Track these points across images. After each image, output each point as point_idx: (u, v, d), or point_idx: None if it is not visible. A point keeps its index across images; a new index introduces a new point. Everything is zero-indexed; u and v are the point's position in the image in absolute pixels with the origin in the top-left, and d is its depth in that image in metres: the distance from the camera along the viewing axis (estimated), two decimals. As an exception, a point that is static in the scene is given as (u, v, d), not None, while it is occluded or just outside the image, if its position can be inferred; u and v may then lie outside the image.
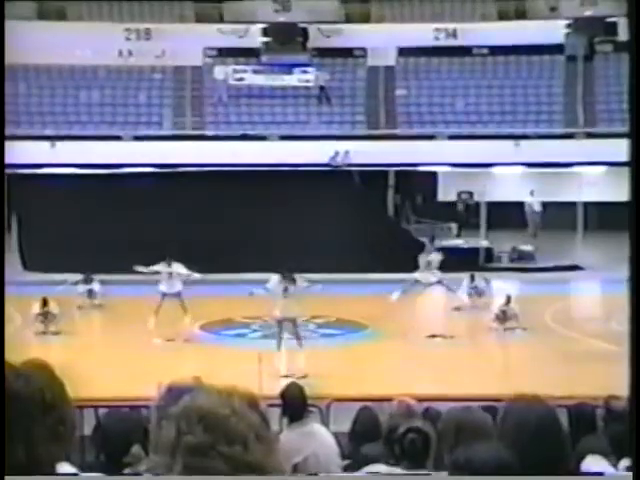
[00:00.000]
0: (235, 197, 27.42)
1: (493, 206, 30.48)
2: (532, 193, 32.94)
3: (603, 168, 30.01)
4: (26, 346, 18.35)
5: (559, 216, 31.92)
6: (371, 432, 6.67)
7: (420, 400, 8.19)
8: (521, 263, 29.17)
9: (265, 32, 34.21)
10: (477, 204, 31.35)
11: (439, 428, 4.31)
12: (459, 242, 29.93)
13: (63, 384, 2.39)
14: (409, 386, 14.56)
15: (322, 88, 32.76)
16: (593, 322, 22.15)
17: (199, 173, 28.38)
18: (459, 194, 32.91)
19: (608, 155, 26.99)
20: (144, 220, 27.09)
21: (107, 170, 28.71)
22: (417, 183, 32.58)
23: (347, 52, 34.12)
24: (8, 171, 24.78)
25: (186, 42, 33.03)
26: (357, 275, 26.07)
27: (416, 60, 34.13)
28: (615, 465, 5.22)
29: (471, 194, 32.40)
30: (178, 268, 20.72)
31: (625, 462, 4.97)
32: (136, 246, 26.52)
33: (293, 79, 32.79)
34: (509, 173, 32.60)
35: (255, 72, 33.06)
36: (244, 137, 31.34)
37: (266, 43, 34.25)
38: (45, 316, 20.81)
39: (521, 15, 34.57)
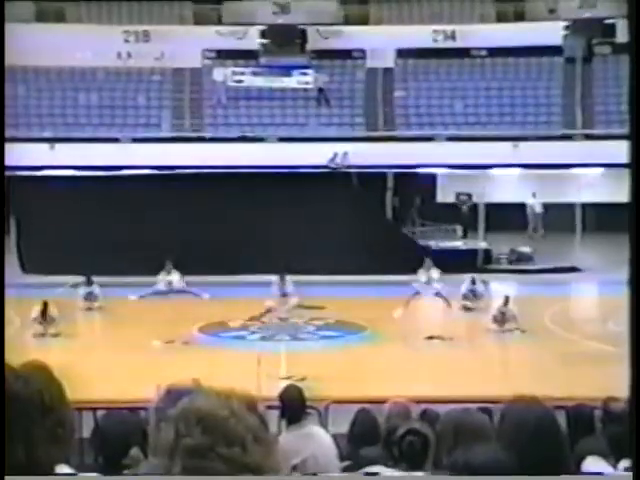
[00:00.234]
0: (234, 199, 27.42)
1: (492, 208, 30.50)
2: (534, 195, 32.90)
3: (601, 170, 30.03)
4: (25, 348, 18.34)
5: (557, 218, 31.95)
6: (369, 434, 6.67)
7: (419, 402, 8.19)
8: (520, 265, 29.17)
9: (264, 34, 34.24)
10: (475, 206, 31.35)
11: (437, 430, 4.31)
12: (458, 244, 29.93)
13: (62, 386, 2.39)
14: (408, 388, 14.55)
15: (321, 90, 32.78)
16: (591, 324, 22.16)
17: (198, 175, 28.37)
18: (458, 196, 32.91)
19: (606, 157, 27.01)
20: (143, 222, 27.09)
21: (106, 172, 28.70)
22: (416, 185, 32.59)
23: (346, 54, 34.14)
24: (7, 173, 24.80)
25: (185, 44, 33.05)
26: (356, 277, 26.06)
27: (415, 62, 34.15)
28: (614, 466, 5.22)
29: (470, 196, 32.41)
30: (175, 277, 20.64)
31: (624, 463, 4.98)
32: (135, 248, 26.55)
33: (292, 81, 32.80)
34: (508, 175, 32.61)
35: (254, 74, 33.07)
36: (243, 139, 31.35)
37: (265, 45, 34.28)
38: (44, 319, 20.80)
39: (520, 17, 34.59)
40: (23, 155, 26.71)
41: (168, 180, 28.27)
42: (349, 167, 29.57)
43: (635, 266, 2.42)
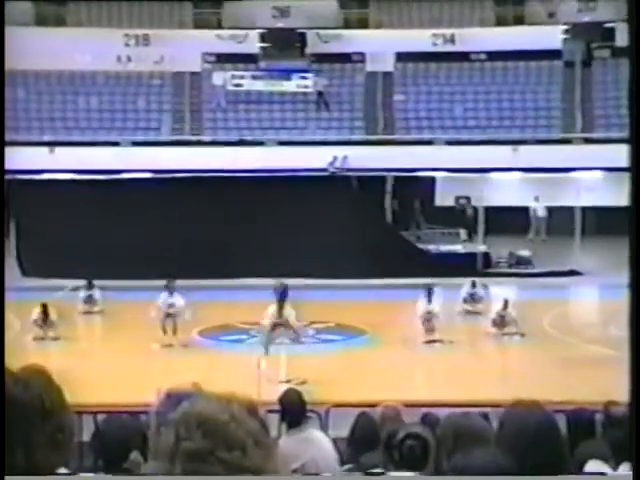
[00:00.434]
0: (233, 203, 27.41)
1: (491, 211, 30.50)
2: (537, 199, 32.85)
3: (601, 173, 30.03)
4: (25, 352, 18.33)
5: (557, 221, 31.96)
6: (370, 438, 6.66)
7: (419, 406, 8.19)
8: (519, 268, 29.16)
9: (263, 38, 34.26)
10: (475, 209, 31.36)
11: (438, 434, 4.31)
12: (457, 247, 29.91)
13: (61, 390, 2.39)
14: (408, 392, 14.56)
15: (320, 93, 32.79)
16: (591, 327, 22.15)
17: (197, 179, 28.37)
18: (457, 199, 32.92)
19: (606, 160, 27.02)
20: (142, 226, 27.08)
21: (106, 176, 28.70)
22: (415, 188, 32.59)
23: (345, 57, 34.16)
24: (7, 177, 24.79)
25: (185, 48, 33.07)
26: (356, 281, 26.06)
27: (414, 65, 34.18)
28: (615, 469, 5.22)
29: (469, 199, 32.42)
30: (177, 299, 20.51)
31: (624, 467, 4.97)
32: (134, 251, 26.55)
33: (291, 85, 32.82)
34: (507, 178, 32.61)
35: (254, 78, 33.10)
36: (242, 143, 31.36)
37: (264, 49, 34.31)
38: (44, 322, 20.78)
39: (519, 20, 34.61)
40: (23, 159, 26.70)
41: (167, 184, 28.27)
42: (349, 171, 29.58)
43: (635, 270, 2.42)
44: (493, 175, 31.81)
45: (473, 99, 33.15)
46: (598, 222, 30.16)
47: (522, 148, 30.49)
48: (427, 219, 32.02)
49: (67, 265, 26.02)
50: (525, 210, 33.02)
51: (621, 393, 2.81)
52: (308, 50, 34.28)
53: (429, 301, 20.74)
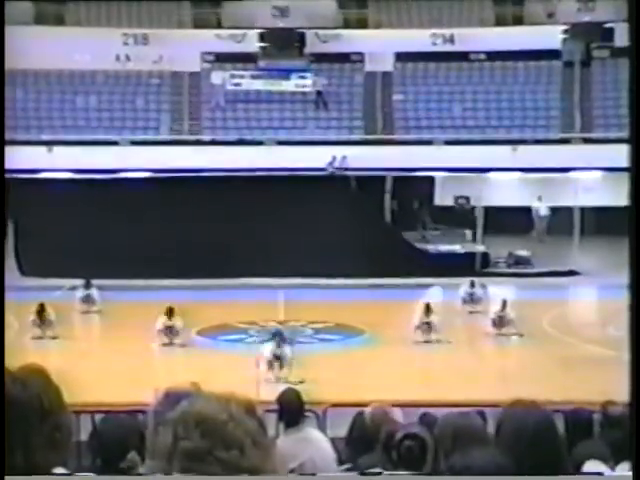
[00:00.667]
0: (232, 202, 27.40)
1: (490, 211, 30.51)
2: (540, 198, 32.82)
3: (600, 173, 30.04)
4: (23, 351, 18.32)
5: (556, 221, 31.97)
6: (367, 438, 6.65)
7: (416, 406, 8.18)
8: (518, 268, 29.16)
9: (262, 37, 34.25)
10: (473, 209, 31.36)
11: (436, 434, 4.31)
12: (455, 247, 29.89)
13: (59, 390, 2.39)
14: (406, 391, 14.56)
15: (319, 93, 32.79)
16: (590, 327, 22.16)
17: (196, 178, 28.37)
18: (456, 199, 32.92)
19: (605, 160, 27.04)
20: (141, 225, 27.08)
21: (104, 175, 28.69)
22: (414, 188, 32.59)
23: (344, 57, 34.15)
24: (6, 176, 24.77)
25: (184, 47, 33.06)
26: (355, 280, 26.07)
27: (413, 65, 34.18)
28: (613, 469, 5.22)
29: (468, 199, 32.42)
30: (178, 322, 20.40)
31: (623, 467, 4.97)
32: (133, 251, 26.54)
33: (290, 84, 32.82)
34: (506, 178, 32.62)
35: (253, 77, 33.09)
36: (241, 142, 31.35)
37: (263, 48, 34.30)
38: (42, 322, 20.78)
39: (518, 21, 34.62)
40: (21, 158, 26.68)
41: (166, 183, 28.27)
42: (347, 170, 29.58)
43: (635, 270, 2.42)
44: (492, 175, 31.82)
45: (472, 99, 33.16)
46: (597, 222, 30.16)
47: (521, 148, 30.50)
48: (434, 219, 31.97)
49: (66, 264, 26.00)
50: (524, 210, 33.01)
51: (619, 393, 2.81)
52: (307, 50, 34.28)
53: (427, 313, 20.68)
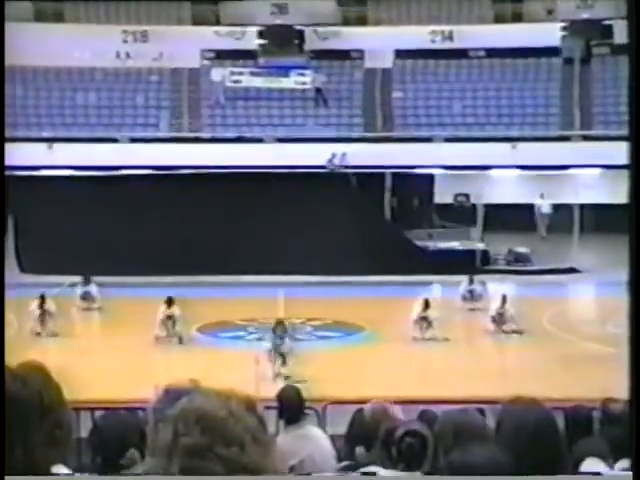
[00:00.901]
0: (231, 199, 27.41)
1: (490, 208, 30.51)
2: (542, 196, 32.80)
3: (599, 170, 30.04)
4: (22, 349, 18.31)
5: (555, 219, 31.97)
6: (367, 435, 6.66)
7: (416, 403, 8.19)
8: (517, 265, 29.15)
9: (262, 34, 34.23)
10: (474, 206, 31.36)
11: (435, 430, 4.31)
12: (455, 244, 29.89)
13: (59, 387, 2.39)
14: (406, 388, 14.57)
15: (319, 90, 32.78)
16: (590, 325, 22.16)
17: (196, 175, 28.37)
18: (456, 196, 32.91)
19: (604, 158, 27.02)
20: (141, 222, 27.08)
21: (104, 172, 28.69)
22: (414, 185, 32.58)
23: (344, 54, 34.14)
24: (6, 173, 24.77)
25: (183, 44, 33.04)
26: (354, 277, 26.07)
27: (413, 62, 34.16)
28: (612, 467, 5.22)
29: (468, 196, 32.42)
30: (176, 310, 20.56)
31: (622, 464, 4.97)
32: (133, 248, 26.55)
33: (290, 81, 32.80)
34: (506, 175, 32.62)
35: (252, 74, 33.07)
36: (241, 139, 31.35)
37: (263, 45, 34.28)
38: (42, 315, 20.81)
39: (517, 18, 34.59)
40: (21, 155, 26.67)
41: (166, 180, 28.27)
42: (347, 168, 29.58)
43: (634, 267, 2.42)
44: (492, 172, 31.82)
45: (472, 96, 33.15)
46: (597, 219, 30.16)
47: (521, 145, 30.49)
48: (440, 217, 31.94)
49: (65, 261, 26.00)
50: (523, 207, 33.01)
51: (619, 390, 2.81)
52: (306, 47, 34.26)
53: (425, 308, 20.70)
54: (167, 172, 28.78)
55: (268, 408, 5.19)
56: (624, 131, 2.52)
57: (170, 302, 20.68)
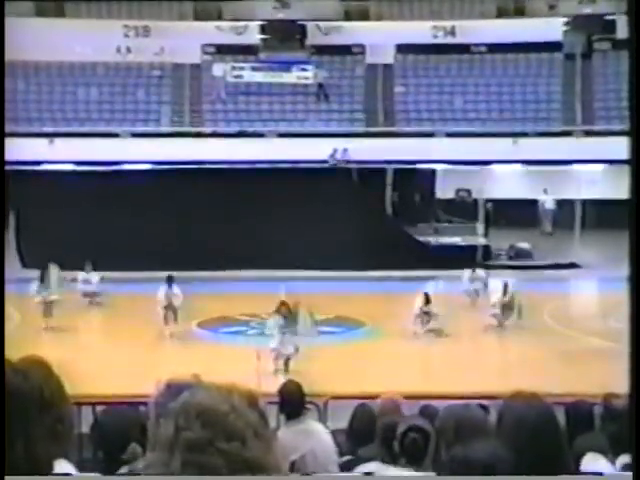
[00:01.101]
0: (233, 194, 27.38)
1: (493, 203, 30.50)
2: (545, 191, 32.78)
3: (601, 166, 30.02)
4: (24, 343, 18.33)
5: (557, 214, 31.96)
6: (368, 430, 6.66)
7: (418, 398, 8.19)
8: (519, 261, 29.14)
9: (263, 29, 34.21)
10: (476, 202, 31.34)
11: (437, 426, 4.31)
12: (456, 240, 29.88)
13: (61, 381, 2.39)
14: (407, 383, 14.57)
15: (320, 85, 32.76)
16: (591, 320, 22.16)
17: (197, 170, 28.36)
18: (457, 192, 32.90)
19: (606, 153, 27.02)
20: (142, 216, 27.06)
21: (105, 167, 28.69)
22: (415, 180, 32.56)
23: (345, 49, 34.12)
24: (7, 168, 24.78)
25: (184, 39, 33.03)
26: (355, 273, 26.06)
27: (415, 58, 34.13)
28: (613, 462, 5.22)
29: (469, 192, 32.40)
30: (176, 291, 20.71)
31: (623, 459, 4.97)
32: (134, 242, 26.54)
33: (291, 76, 32.79)
34: (507, 171, 32.60)
35: (253, 69, 33.06)
36: (242, 134, 31.34)
37: (264, 40, 34.26)
38: (44, 310, 20.87)
39: (520, 13, 34.57)
40: (22, 150, 26.69)
41: (167, 175, 28.26)
42: (349, 163, 29.57)
43: (635, 262, 2.42)
44: (493, 167, 31.81)
45: (473, 91, 33.13)
46: (598, 215, 30.16)
47: (522, 141, 30.48)
48: (447, 212, 31.90)
49: (67, 256, 25.98)
50: (525, 202, 32.99)
51: (620, 386, 2.81)
52: (308, 42, 34.24)
53: (426, 303, 20.74)
54: (168, 167, 28.77)
55: (269, 403, 5.19)
56: (626, 126, 2.51)
57: (170, 280, 20.82)
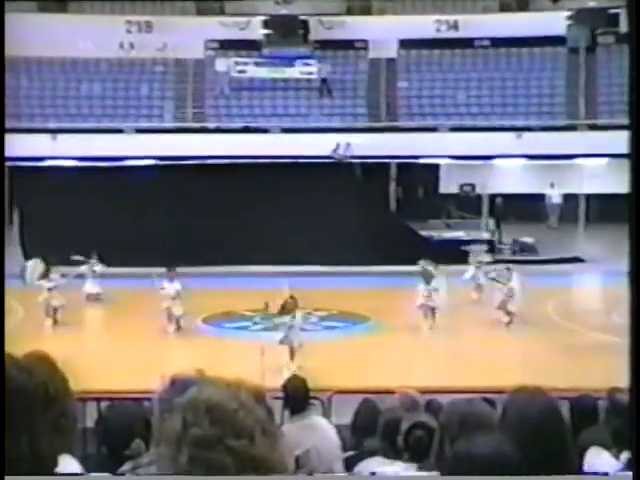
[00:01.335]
0: (236, 189, 27.38)
1: (498, 198, 30.46)
2: (552, 185, 32.72)
3: (605, 160, 29.97)
4: (28, 338, 18.35)
5: (562, 208, 31.92)
6: (373, 425, 6.66)
7: (422, 392, 8.19)
8: (522, 255, 29.11)
9: (266, 24, 34.17)
10: (479, 197, 31.31)
11: (441, 420, 4.31)
12: (460, 234, 29.85)
13: (65, 377, 2.39)
14: (411, 378, 14.57)
15: (324, 80, 32.73)
16: (595, 314, 22.14)
17: (200, 165, 28.36)
18: (461, 186, 32.87)
19: (610, 147, 26.97)
20: (145, 212, 27.08)
21: (108, 163, 28.70)
22: (419, 175, 32.55)
23: (348, 44, 34.08)
24: (10, 164, 24.81)
25: (187, 35, 33.01)
26: (359, 268, 26.05)
27: (418, 52, 34.09)
28: (617, 457, 5.22)
29: (473, 186, 32.36)
30: (177, 286, 20.79)
31: (627, 454, 4.97)
32: (137, 238, 26.55)
33: (295, 71, 32.76)
34: (511, 165, 32.55)
35: (257, 64, 33.04)
36: (246, 130, 31.32)
37: (267, 35, 34.22)
38: (48, 305, 20.91)
39: (523, 7, 34.51)
40: (26, 146, 26.71)
41: (170, 170, 28.26)
42: (352, 158, 29.54)
43: (635, 257, 2.41)
44: (497, 162, 31.77)
45: (477, 86, 33.08)
46: (602, 209, 30.13)
47: (526, 135, 30.43)
48: (459, 208, 31.87)
49: (70, 252, 25.99)
50: (529, 197, 32.96)
51: (624, 380, 2.81)
52: (311, 37, 34.20)
53: (429, 297, 20.74)
54: (172, 162, 28.77)
55: (273, 398, 5.20)
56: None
57: (171, 274, 20.90)
